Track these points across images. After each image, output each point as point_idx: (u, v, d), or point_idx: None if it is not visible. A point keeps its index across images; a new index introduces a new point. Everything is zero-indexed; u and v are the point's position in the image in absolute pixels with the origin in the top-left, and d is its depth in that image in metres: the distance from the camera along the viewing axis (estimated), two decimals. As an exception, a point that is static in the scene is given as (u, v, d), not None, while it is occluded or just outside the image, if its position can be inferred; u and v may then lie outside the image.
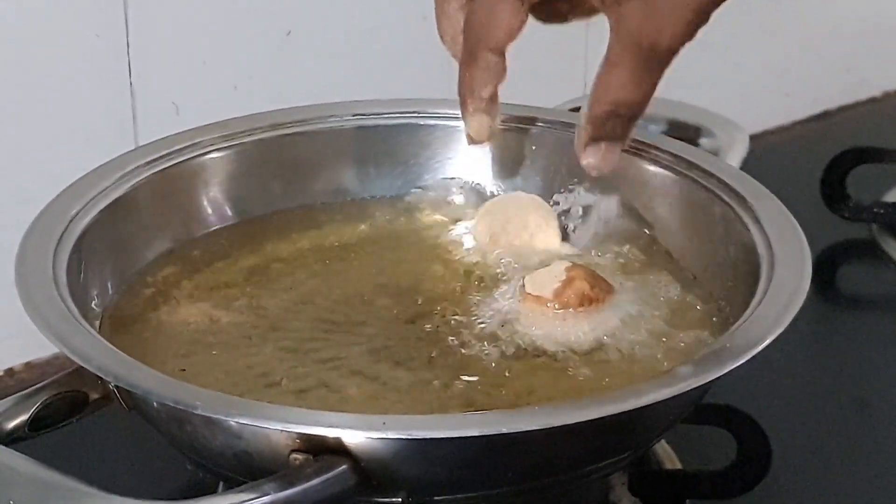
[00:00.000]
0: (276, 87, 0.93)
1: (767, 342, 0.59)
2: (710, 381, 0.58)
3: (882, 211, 0.97)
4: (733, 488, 0.70)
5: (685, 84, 1.13)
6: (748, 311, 0.62)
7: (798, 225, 0.68)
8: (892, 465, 0.75)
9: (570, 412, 0.55)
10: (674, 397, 0.57)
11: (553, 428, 0.55)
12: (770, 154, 1.04)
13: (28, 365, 0.88)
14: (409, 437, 0.54)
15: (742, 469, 0.70)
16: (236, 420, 0.55)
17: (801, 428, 0.76)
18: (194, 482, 0.67)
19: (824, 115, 1.28)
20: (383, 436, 0.54)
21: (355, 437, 0.54)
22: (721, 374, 0.58)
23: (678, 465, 0.72)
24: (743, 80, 1.20)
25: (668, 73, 0.65)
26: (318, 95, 0.93)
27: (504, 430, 0.54)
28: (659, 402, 0.56)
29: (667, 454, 0.72)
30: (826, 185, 0.97)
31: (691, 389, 0.57)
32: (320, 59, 0.94)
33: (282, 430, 0.55)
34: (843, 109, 1.30)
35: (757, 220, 0.69)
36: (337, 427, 0.54)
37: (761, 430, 0.71)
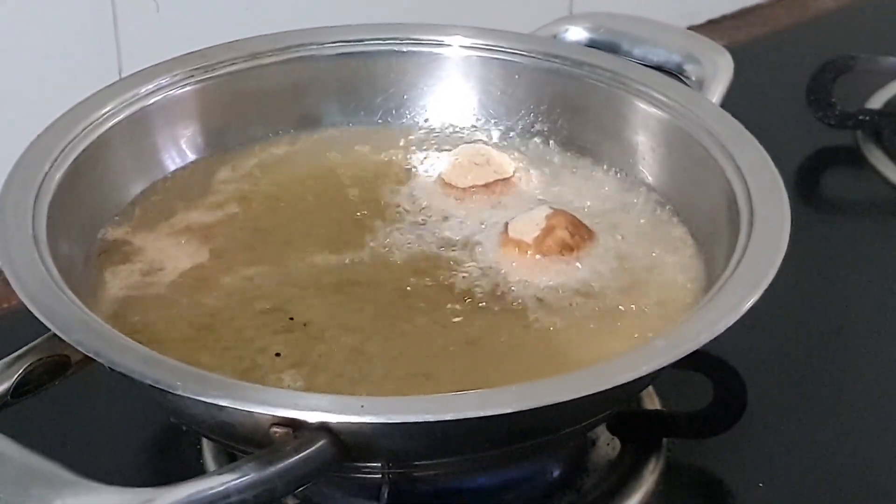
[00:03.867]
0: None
1: (744, 310, 0.60)
2: (687, 354, 0.58)
3: (867, 118, 0.97)
4: (710, 428, 0.71)
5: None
6: (724, 275, 0.62)
7: (781, 179, 0.68)
8: (866, 402, 0.76)
9: (547, 392, 0.56)
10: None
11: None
12: (757, 60, 1.03)
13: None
14: (387, 420, 0.55)
15: (718, 410, 0.71)
16: (217, 402, 0.56)
17: (776, 367, 0.77)
18: (175, 435, 0.68)
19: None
20: (360, 420, 0.55)
21: (333, 419, 0.55)
22: (696, 347, 0.58)
23: (658, 405, 0.73)
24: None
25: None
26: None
27: (481, 414, 0.55)
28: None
29: (647, 393, 0.73)
30: (812, 92, 0.96)
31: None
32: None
33: (262, 413, 0.55)
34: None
35: (738, 170, 0.68)
36: (315, 410, 0.55)
37: (737, 373, 0.72)
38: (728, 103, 0.76)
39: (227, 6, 0.92)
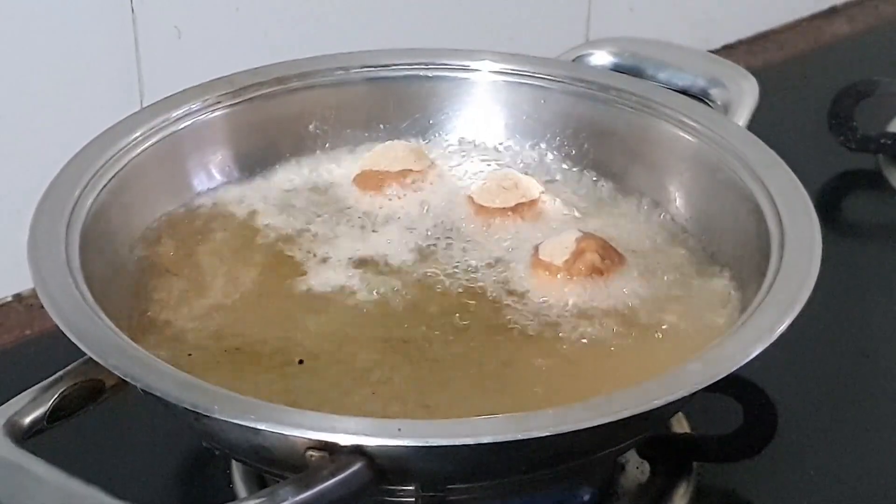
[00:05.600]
0: (278, 10, 0.92)
1: (778, 334, 0.60)
2: (718, 380, 0.58)
3: (888, 142, 0.97)
4: (740, 452, 0.71)
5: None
6: (758, 298, 0.62)
7: (810, 201, 0.68)
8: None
9: (585, 416, 0.56)
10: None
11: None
12: (775, 85, 1.03)
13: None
14: (425, 444, 0.55)
15: (748, 434, 0.71)
16: (254, 425, 0.56)
17: (806, 390, 0.77)
18: (205, 459, 0.68)
19: (832, 12, 1.28)
20: (399, 443, 0.55)
21: (370, 443, 0.55)
22: (732, 370, 0.58)
23: (687, 429, 0.73)
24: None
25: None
26: (320, 19, 0.93)
27: (519, 437, 0.55)
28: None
29: (676, 417, 0.73)
30: (833, 115, 0.97)
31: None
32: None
33: (299, 437, 0.55)
34: (848, 6, 1.29)
35: (768, 194, 0.69)
36: (352, 434, 0.55)
37: (767, 396, 0.72)
38: (749, 128, 0.76)
39: (247, 32, 0.92)
